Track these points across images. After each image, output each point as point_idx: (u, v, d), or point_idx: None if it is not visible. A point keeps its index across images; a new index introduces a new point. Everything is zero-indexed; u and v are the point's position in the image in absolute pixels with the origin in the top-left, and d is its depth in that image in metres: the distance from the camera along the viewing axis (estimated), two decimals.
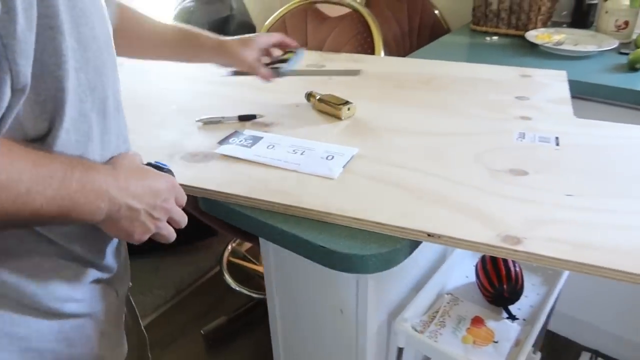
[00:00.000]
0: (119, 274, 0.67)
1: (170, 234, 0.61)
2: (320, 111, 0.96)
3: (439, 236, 0.62)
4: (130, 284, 0.90)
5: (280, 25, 1.47)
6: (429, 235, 0.62)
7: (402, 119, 0.93)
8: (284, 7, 1.49)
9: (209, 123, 0.93)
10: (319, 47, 1.42)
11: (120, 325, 0.70)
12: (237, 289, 1.73)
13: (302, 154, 0.81)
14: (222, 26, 1.53)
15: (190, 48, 0.90)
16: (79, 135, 0.53)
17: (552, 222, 0.63)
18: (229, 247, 1.88)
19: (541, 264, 0.59)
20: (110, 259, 0.63)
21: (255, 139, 0.86)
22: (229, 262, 1.84)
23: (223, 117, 0.93)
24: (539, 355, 1.11)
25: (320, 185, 0.73)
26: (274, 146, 0.84)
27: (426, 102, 0.98)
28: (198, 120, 0.93)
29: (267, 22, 1.50)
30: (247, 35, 0.92)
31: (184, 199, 0.62)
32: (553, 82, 1.08)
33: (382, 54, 1.31)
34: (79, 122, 0.53)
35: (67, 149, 0.52)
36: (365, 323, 0.77)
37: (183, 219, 0.62)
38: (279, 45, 0.97)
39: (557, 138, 0.84)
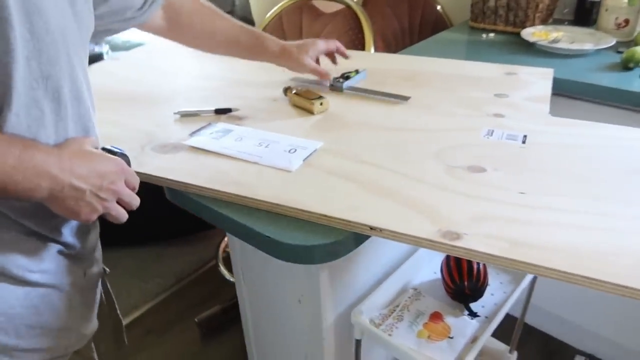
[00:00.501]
0: (85, 255, 0.70)
1: (120, 215, 0.63)
2: (296, 105, 0.98)
3: (381, 230, 0.63)
4: (107, 270, 0.94)
5: (277, 22, 1.49)
6: (371, 228, 0.63)
7: (375, 115, 0.93)
8: (281, 4, 1.50)
9: (187, 115, 0.96)
10: None
11: (90, 303, 0.73)
12: (232, 280, 1.76)
13: (266, 147, 0.83)
14: None
15: (257, 51, 0.99)
16: (30, 120, 0.56)
17: (497, 219, 0.63)
18: (226, 238, 1.92)
19: (478, 260, 0.59)
20: (69, 237, 0.66)
21: (226, 132, 0.88)
22: (225, 254, 1.88)
23: (200, 110, 0.96)
24: (515, 354, 1.10)
25: (277, 177, 0.74)
26: (242, 139, 0.86)
27: (411, 101, 0.99)
28: (176, 113, 0.96)
29: (265, 18, 1.52)
30: (304, 41, 1.01)
31: (135, 182, 0.65)
32: (537, 80, 1.06)
33: (372, 50, 1.31)
34: (30, 108, 0.56)
35: (18, 131, 0.55)
36: (320, 314, 0.78)
37: (133, 201, 0.64)
38: (332, 53, 1.08)
39: (525, 136, 0.83)
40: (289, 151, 0.81)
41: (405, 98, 0.98)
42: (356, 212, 0.65)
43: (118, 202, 0.63)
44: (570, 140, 0.82)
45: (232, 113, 0.96)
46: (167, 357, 1.56)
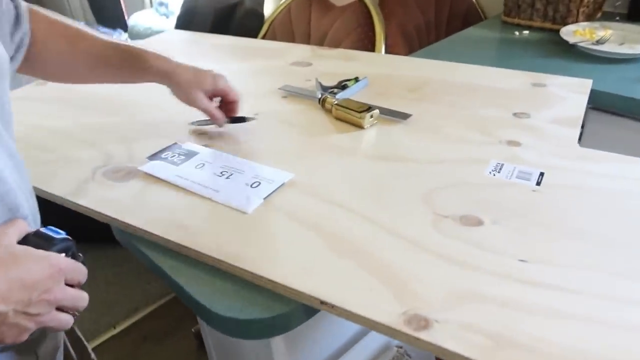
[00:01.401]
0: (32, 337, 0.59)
1: (63, 323, 0.49)
2: (339, 119, 0.83)
3: (333, 306, 0.50)
4: (77, 314, 0.84)
5: (285, 15, 1.36)
6: (322, 302, 0.51)
7: (365, 137, 0.79)
8: None
9: (201, 126, 0.84)
10: (321, 40, 1.30)
11: None
12: None
13: (227, 177, 0.71)
14: (229, 13, 1.44)
15: (135, 71, 0.77)
16: None
17: (482, 300, 0.49)
18: None
19: None
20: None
21: (189, 155, 0.77)
22: None
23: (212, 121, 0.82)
24: None
25: (229, 220, 0.63)
26: (203, 165, 0.74)
27: (412, 120, 0.84)
28: (191, 123, 0.85)
29: (272, 12, 1.39)
30: (202, 71, 0.78)
31: (81, 277, 0.50)
32: (570, 95, 0.89)
33: (383, 50, 1.16)
34: None
35: None
36: None
37: (79, 302, 0.49)
38: (222, 97, 0.81)
39: (541, 175, 0.67)
40: (252, 185, 0.68)
41: (405, 116, 0.83)
42: (308, 278, 0.53)
43: (61, 308, 0.48)
44: (599, 182, 0.65)
45: (246, 123, 0.83)
46: None
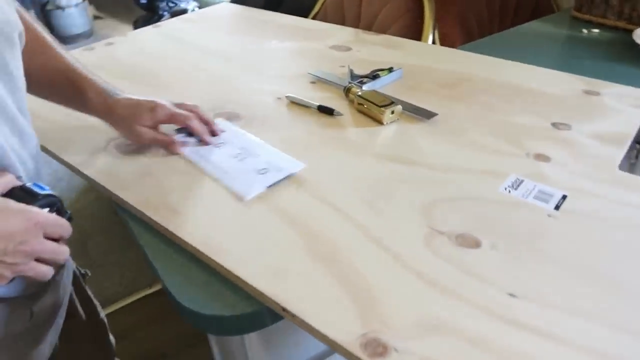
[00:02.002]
0: (30, 292, 0.61)
1: (41, 274, 0.51)
2: (361, 112, 0.80)
3: (293, 315, 0.48)
4: (88, 273, 0.88)
5: None
6: (283, 309, 0.48)
7: (382, 134, 0.75)
8: None
9: (295, 103, 0.84)
10: (370, 23, 1.24)
11: (38, 340, 0.65)
12: None
13: (240, 160, 0.70)
14: None
15: (76, 103, 0.73)
16: None
17: (453, 334, 0.45)
18: None
19: None
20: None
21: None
22: None
23: (307, 102, 0.82)
24: None
25: (223, 206, 0.61)
26: (224, 143, 0.74)
27: (437, 120, 0.78)
28: (287, 97, 0.84)
29: None
30: (141, 102, 0.71)
31: (63, 232, 0.53)
32: (625, 108, 0.79)
33: (430, 39, 1.08)
34: None
35: None
36: None
37: (59, 256, 0.52)
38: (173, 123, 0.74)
39: (563, 197, 0.60)
40: (260, 171, 0.67)
41: (430, 115, 0.77)
42: (276, 280, 0.51)
43: (41, 260, 0.51)
44: (630, 215, 0.57)
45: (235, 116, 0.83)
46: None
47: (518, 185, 0.62)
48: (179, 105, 0.73)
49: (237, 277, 0.52)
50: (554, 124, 0.75)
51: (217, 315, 0.50)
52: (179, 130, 0.75)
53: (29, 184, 0.52)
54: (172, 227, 0.58)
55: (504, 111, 0.79)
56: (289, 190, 0.64)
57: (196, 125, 0.73)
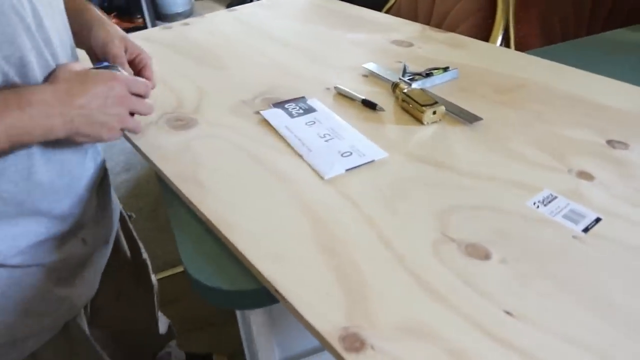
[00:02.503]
0: (84, 224, 0.71)
1: (136, 125, 0.66)
2: (404, 109, 0.79)
3: (284, 298, 0.49)
4: (133, 215, 0.98)
5: None
6: (276, 291, 0.50)
7: (419, 134, 0.73)
8: None
9: (342, 95, 0.85)
10: (442, 20, 1.19)
11: (89, 267, 0.74)
12: None
13: (327, 140, 0.72)
14: None
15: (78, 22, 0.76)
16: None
17: (434, 342, 0.44)
18: None
19: None
20: (59, 211, 0.66)
21: (308, 110, 0.80)
22: None
23: (352, 94, 0.83)
24: None
25: (244, 186, 0.64)
26: (314, 123, 0.77)
27: (481, 125, 0.75)
28: (336, 87, 0.86)
29: None
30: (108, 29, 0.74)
31: (142, 89, 0.65)
32: None
33: (499, 40, 1.02)
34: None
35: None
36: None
37: (147, 109, 0.66)
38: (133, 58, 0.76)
39: (597, 220, 0.56)
40: (343, 153, 0.69)
41: (473, 119, 0.74)
42: (277, 263, 0.52)
43: (132, 114, 0.64)
44: None
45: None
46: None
47: (549, 202, 0.59)
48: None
49: (241, 255, 0.54)
50: (609, 142, 0.69)
51: (217, 288, 0.53)
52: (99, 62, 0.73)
53: (95, 65, 0.67)
54: (194, 199, 0.62)
55: (556, 122, 0.74)
56: (353, 180, 0.65)
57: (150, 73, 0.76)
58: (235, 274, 0.54)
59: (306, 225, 0.57)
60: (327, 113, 0.79)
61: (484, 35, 1.07)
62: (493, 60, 0.95)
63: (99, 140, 0.62)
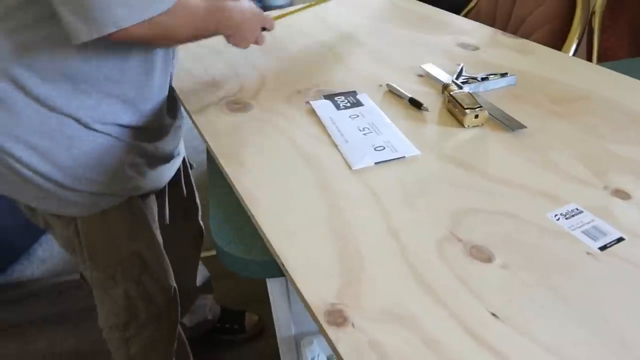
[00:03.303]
0: (161, 134, 0.91)
1: (262, 41, 0.91)
2: (448, 111, 0.80)
3: (287, 271, 0.53)
4: (193, 165, 1.13)
5: None
6: (282, 263, 0.54)
7: (458, 137, 0.73)
8: None
9: (392, 92, 0.88)
10: (518, 25, 1.15)
11: (156, 167, 0.92)
12: None
13: (365, 134, 0.75)
14: None
15: None
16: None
17: (413, 328, 0.45)
18: None
19: None
20: (150, 108, 0.86)
21: (355, 104, 0.84)
22: None
23: (401, 92, 0.86)
24: None
25: (279, 168, 0.69)
26: (357, 116, 0.80)
27: (525, 133, 0.73)
28: (388, 85, 0.89)
29: None
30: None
31: (269, 25, 0.92)
32: None
33: (572, 51, 0.97)
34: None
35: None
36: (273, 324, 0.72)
37: (262, 39, 0.92)
38: None
39: (619, 240, 0.53)
40: (376, 147, 0.72)
41: (516, 126, 0.73)
42: (288, 239, 0.56)
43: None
44: None
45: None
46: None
47: (572, 216, 0.57)
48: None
49: (260, 227, 0.59)
50: None
51: (234, 256, 0.59)
52: None
53: None
54: (232, 175, 0.68)
55: (606, 137, 0.71)
56: (339, 166, 0.68)
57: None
58: (252, 244, 0.59)
59: (323, 208, 0.61)
60: (372, 108, 0.82)
61: (559, 43, 1.02)
62: (559, 69, 0.91)
63: (239, 40, 0.87)
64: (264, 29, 0.92)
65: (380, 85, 0.90)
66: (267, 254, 0.58)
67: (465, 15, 1.40)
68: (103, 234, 0.88)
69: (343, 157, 0.70)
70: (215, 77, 0.96)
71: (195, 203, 1.17)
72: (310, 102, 0.84)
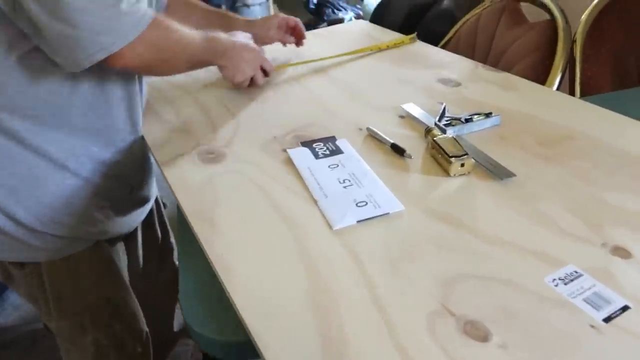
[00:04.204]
0: (131, 173, 0.90)
1: (260, 78, 0.96)
2: (433, 157, 0.76)
3: (263, 357, 0.48)
4: (166, 204, 1.11)
5: (473, 23, 1.22)
6: (260, 350, 0.49)
7: (443, 187, 0.69)
8: (485, 2, 1.22)
9: (372, 137, 0.83)
10: (499, 57, 1.13)
11: (125, 211, 0.92)
12: None
13: (345, 187, 0.70)
14: (422, 11, 1.37)
15: (227, 27, 1.02)
16: None
17: None
18: None
19: None
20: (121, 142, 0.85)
21: (334, 152, 0.79)
22: None
23: (382, 137, 0.81)
24: None
25: (255, 230, 0.64)
26: (337, 166, 0.75)
27: (513, 181, 0.70)
28: (368, 129, 0.84)
29: (463, 18, 1.27)
30: (267, 16, 1.11)
31: (269, 68, 0.97)
32: None
33: (556, 84, 0.95)
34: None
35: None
36: None
37: (261, 80, 0.97)
38: (292, 30, 1.13)
39: (624, 308, 0.49)
40: (358, 203, 0.67)
41: (505, 175, 0.69)
42: (265, 319, 0.51)
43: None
44: None
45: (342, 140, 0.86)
46: None
47: (572, 280, 0.53)
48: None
49: (234, 303, 0.54)
50: None
51: (207, 337, 0.53)
52: None
53: None
54: (202, 238, 0.63)
55: (600, 184, 0.67)
56: (319, 225, 0.63)
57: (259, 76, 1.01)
58: (226, 322, 0.54)
59: (303, 277, 0.56)
60: (352, 156, 0.77)
61: (542, 76, 1.00)
62: (543, 105, 0.88)
63: (234, 76, 0.92)
64: (263, 70, 0.96)
65: (360, 129, 0.86)
66: (243, 334, 0.52)
67: (444, 46, 1.37)
68: (69, 280, 0.85)
69: (323, 215, 0.65)
70: (187, 122, 0.92)
71: (169, 244, 1.15)
72: (287, 150, 0.80)
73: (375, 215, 0.64)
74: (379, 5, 1.61)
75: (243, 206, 0.68)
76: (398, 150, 0.77)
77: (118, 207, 0.89)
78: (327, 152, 0.79)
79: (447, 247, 0.59)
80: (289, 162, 0.78)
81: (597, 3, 1.18)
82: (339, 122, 0.89)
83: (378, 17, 1.54)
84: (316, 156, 0.78)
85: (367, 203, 0.66)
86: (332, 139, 0.83)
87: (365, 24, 1.39)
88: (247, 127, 0.90)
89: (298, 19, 1.12)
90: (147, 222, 1.01)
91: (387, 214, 0.65)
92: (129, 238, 0.99)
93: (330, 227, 0.63)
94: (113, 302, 0.89)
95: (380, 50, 1.17)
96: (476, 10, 1.25)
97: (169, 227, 1.14)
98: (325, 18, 2.65)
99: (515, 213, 0.64)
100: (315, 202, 0.68)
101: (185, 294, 0.59)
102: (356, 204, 0.66)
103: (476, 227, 0.62)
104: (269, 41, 1.10)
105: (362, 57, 1.17)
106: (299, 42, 1.15)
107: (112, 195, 0.87)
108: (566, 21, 1.00)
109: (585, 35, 1.11)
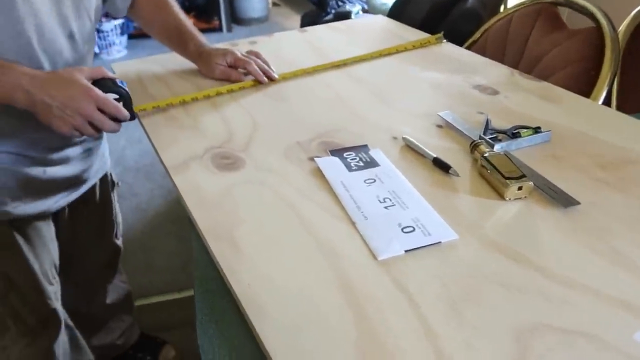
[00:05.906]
0: (48, 159, 0.83)
1: (90, 133, 0.73)
2: (483, 177, 0.67)
3: None
4: (118, 183, 1.12)
5: (503, 25, 1.14)
6: None
7: (499, 213, 0.61)
8: (519, 2, 1.14)
9: (410, 148, 0.74)
10: (533, 63, 1.05)
11: (39, 191, 0.86)
12: None
13: (387, 207, 0.62)
14: (446, 8, 1.29)
15: (180, 50, 0.99)
16: None
17: None
18: None
19: None
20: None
21: (369, 164, 0.70)
22: None
23: (423, 150, 0.72)
24: None
25: (286, 255, 0.55)
26: (374, 181, 0.66)
27: (577, 209, 0.62)
28: (404, 138, 0.75)
29: (492, 18, 1.19)
30: (223, 49, 0.96)
31: (112, 110, 0.73)
32: None
33: (602, 97, 0.87)
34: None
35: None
36: None
37: (104, 126, 0.74)
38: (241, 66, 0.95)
39: None
40: (404, 228, 0.58)
41: (569, 203, 0.61)
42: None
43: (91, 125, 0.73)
44: None
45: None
46: None
47: None
48: (249, 52, 0.96)
49: (267, 352, 0.45)
50: None
51: None
52: None
53: (117, 80, 0.75)
54: (223, 264, 0.54)
55: None
56: (361, 254, 0.55)
57: (253, 68, 0.92)
58: (244, 347, 0.45)
59: (350, 325, 0.47)
60: (390, 170, 0.69)
61: (585, 88, 0.92)
62: (595, 122, 0.80)
63: (48, 124, 0.71)
64: (112, 116, 0.74)
65: (395, 138, 0.77)
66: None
67: (469, 47, 1.29)
68: None
69: (364, 240, 0.57)
70: (197, 119, 0.82)
71: (111, 222, 1.10)
72: (316, 159, 0.71)
73: (426, 244, 0.55)
74: (399, 1, 1.51)
75: (269, 224, 0.59)
76: (442, 166, 0.69)
77: (29, 188, 0.83)
78: (361, 163, 0.70)
79: (515, 287, 0.51)
80: (317, 173, 0.69)
81: (637, 13, 1.11)
82: (370, 128, 0.80)
83: (397, 13, 1.45)
84: (349, 168, 0.69)
85: (414, 229, 0.58)
86: (365, 148, 0.74)
87: (386, 21, 1.29)
88: (266, 129, 0.80)
89: (253, 56, 0.95)
90: (85, 199, 0.97)
91: (439, 243, 0.56)
92: (58, 214, 0.94)
93: (374, 256, 0.54)
94: (11, 278, 0.87)
95: (406, 50, 1.09)
96: (507, 12, 1.17)
97: (114, 204, 1.09)
98: (330, 10, 2.55)
99: (585, 248, 0.56)
100: (354, 224, 0.59)
101: (205, 336, 0.49)
102: (402, 229, 0.58)
103: (543, 263, 0.53)
104: (213, 76, 0.95)
105: (385, 55, 1.08)
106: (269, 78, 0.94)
107: (21, 175, 0.81)
108: (613, 29, 0.92)
109: (625, 46, 1.04)
